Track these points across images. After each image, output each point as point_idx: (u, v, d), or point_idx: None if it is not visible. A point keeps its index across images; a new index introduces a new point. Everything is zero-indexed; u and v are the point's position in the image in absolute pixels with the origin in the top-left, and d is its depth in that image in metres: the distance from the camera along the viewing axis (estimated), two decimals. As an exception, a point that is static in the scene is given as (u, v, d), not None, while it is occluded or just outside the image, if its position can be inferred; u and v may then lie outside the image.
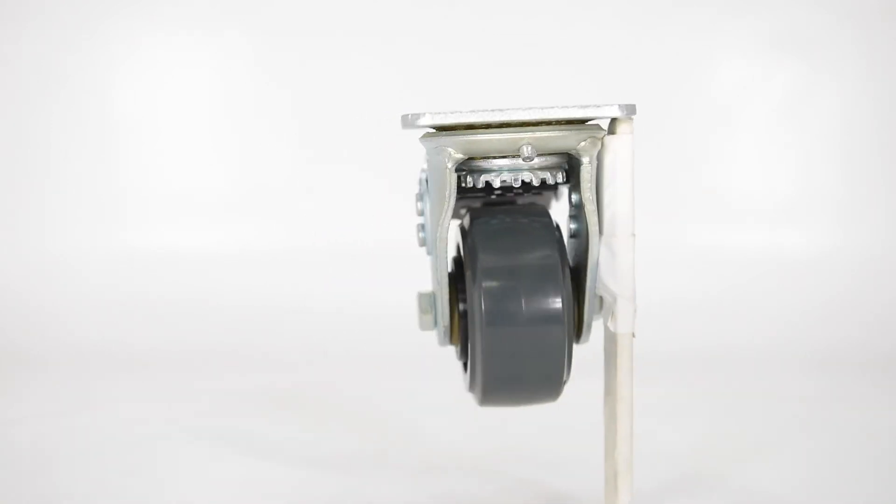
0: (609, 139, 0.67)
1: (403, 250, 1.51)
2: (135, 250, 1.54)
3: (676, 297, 1.41)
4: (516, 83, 1.56)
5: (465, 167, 0.68)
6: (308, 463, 0.88)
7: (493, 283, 0.67)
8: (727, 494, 0.79)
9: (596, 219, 0.67)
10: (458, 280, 0.71)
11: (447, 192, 0.67)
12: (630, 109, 0.67)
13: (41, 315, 1.44)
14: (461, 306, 0.71)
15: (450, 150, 0.67)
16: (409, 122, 0.66)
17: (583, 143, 0.67)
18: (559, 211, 0.74)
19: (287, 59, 1.61)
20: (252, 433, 0.99)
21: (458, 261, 0.72)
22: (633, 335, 0.69)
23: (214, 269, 1.52)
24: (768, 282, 1.48)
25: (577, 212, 0.70)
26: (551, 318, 0.66)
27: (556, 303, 0.66)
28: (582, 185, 0.67)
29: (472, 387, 0.70)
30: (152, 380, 1.22)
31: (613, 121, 0.67)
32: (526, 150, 0.66)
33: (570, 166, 0.69)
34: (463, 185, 0.68)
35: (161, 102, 1.63)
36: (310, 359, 1.32)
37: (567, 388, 0.70)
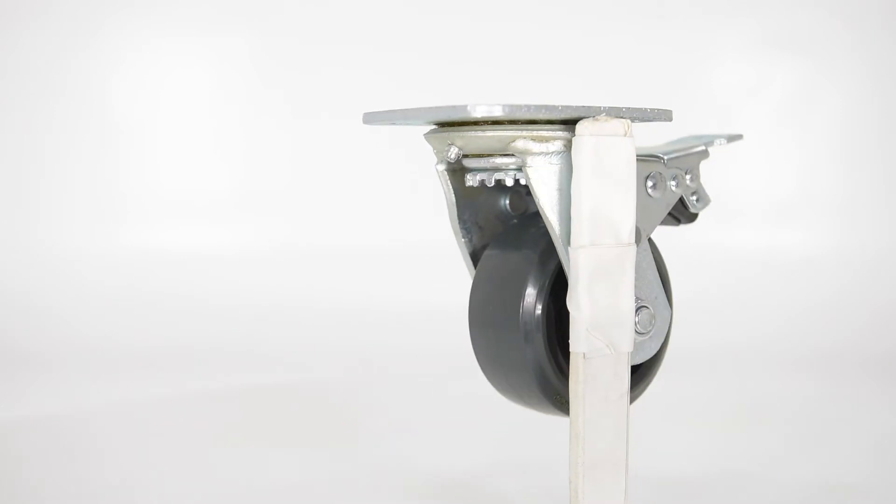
0: (573, 141, 0.63)
1: (404, 250, 1.52)
2: (135, 250, 1.54)
3: (676, 297, 1.41)
4: (514, 84, 1.57)
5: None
6: (307, 465, 0.88)
7: (478, 285, 0.69)
8: (725, 497, 0.79)
9: (548, 224, 0.64)
10: None
11: (443, 189, 0.69)
12: (512, 110, 0.61)
13: (41, 315, 1.44)
14: None
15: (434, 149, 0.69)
16: (365, 119, 0.67)
17: (514, 144, 0.64)
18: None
19: (287, 60, 1.62)
20: (252, 433, 0.99)
21: None
22: (584, 356, 0.63)
23: (214, 269, 1.52)
24: (768, 282, 1.48)
25: None
26: (507, 324, 0.66)
27: (513, 309, 0.66)
28: (529, 187, 0.64)
29: None
30: (152, 379, 1.23)
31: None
32: (450, 151, 0.66)
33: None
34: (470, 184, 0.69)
35: (161, 103, 1.63)
36: (310, 359, 1.32)
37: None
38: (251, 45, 1.62)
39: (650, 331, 0.68)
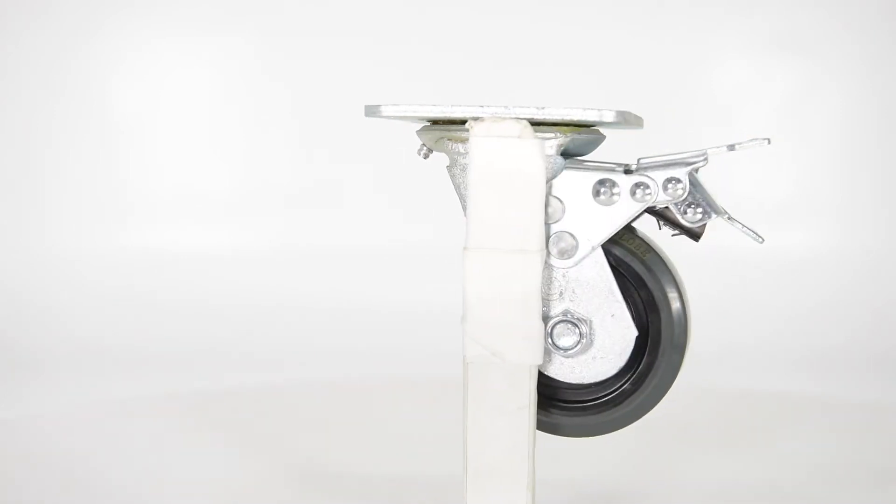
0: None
1: (404, 250, 1.51)
2: (135, 250, 1.54)
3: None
4: (513, 84, 1.56)
5: None
6: (307, 464, 0.88)
7: None
8: (720, 495, 0.79)
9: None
10: None
11: None
12: (371, 109, 0.61)
13: (41, 314, 1.44)
14: None
15: None
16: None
17: (439, 143, 0.63)
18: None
19: (287, 60, 1.61)
20: (252, 433, 0.99)
21: None
22: (464, 361, 0.63)
23: (214, 269, 1.52)
24: (768, 282, 1.48)
25: None
26: None
27: None
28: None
29: None
30: (152, 379, 1.23)
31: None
32: (420, 149, 0.66)
33: None
34: None
35: (161, 103, 1.62)
36: (310, 359, 1.32)
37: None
38: (251, 45, 1.62)
39: (580, 349, 0.65)
